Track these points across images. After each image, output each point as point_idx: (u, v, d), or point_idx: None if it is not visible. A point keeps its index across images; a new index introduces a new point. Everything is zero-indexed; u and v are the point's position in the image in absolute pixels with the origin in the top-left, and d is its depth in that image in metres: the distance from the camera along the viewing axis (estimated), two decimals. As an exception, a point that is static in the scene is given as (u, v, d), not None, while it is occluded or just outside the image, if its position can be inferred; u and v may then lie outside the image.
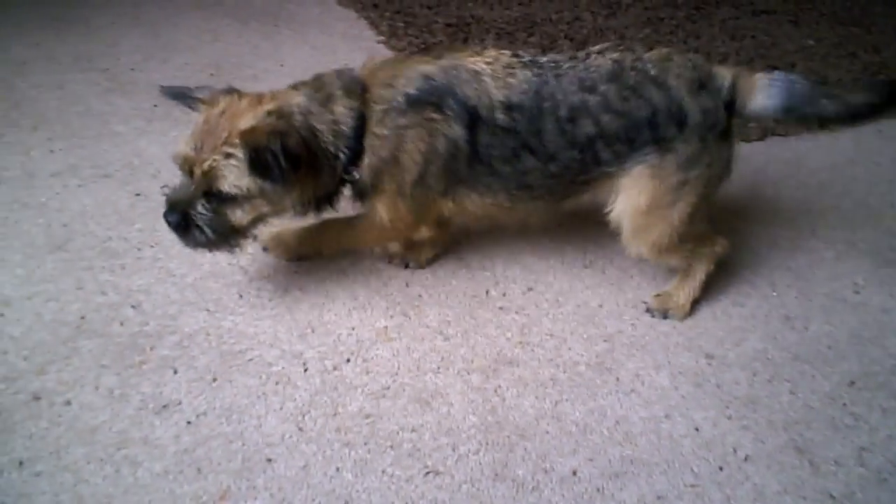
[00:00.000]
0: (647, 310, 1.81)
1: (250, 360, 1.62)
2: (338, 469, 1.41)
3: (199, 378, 1.57)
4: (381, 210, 1.70)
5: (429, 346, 1.68)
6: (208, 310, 1.73)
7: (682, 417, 1.54)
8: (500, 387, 1.59)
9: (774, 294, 1.86)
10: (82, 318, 1.70)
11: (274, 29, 3.04)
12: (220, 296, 1.77)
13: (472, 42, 2.97)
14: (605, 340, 1.71)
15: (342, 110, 1.63)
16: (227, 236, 1.62)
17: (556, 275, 1.88)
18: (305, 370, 1.61)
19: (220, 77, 2.63)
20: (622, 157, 1.66)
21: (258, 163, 1.51)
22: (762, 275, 1.90)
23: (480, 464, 1.44)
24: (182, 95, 1.66)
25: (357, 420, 1.51)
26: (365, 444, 1.46)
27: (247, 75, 2.68)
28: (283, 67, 2.75)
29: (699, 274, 1.81)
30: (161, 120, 2.40)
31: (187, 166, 1.57)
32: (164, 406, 1.51)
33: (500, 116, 1.64)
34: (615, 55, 1.67)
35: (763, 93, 1.66)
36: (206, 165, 1.54)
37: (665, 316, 1.79)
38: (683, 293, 1.80)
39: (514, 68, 1.67)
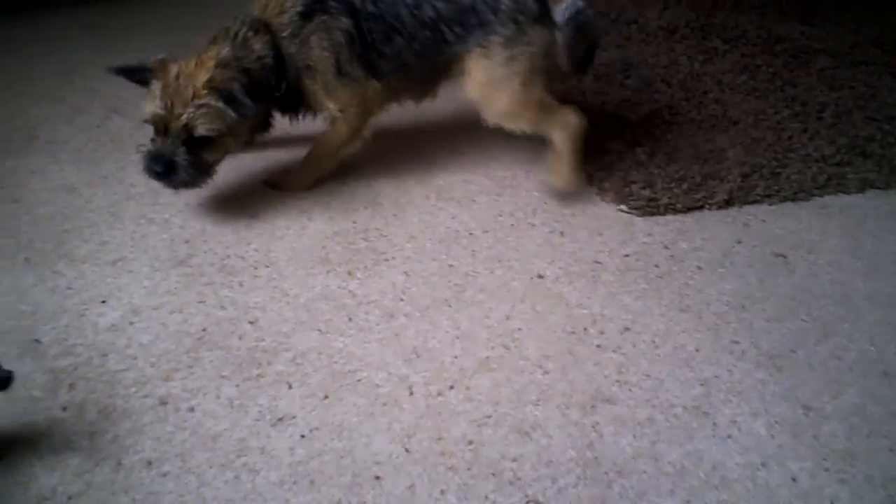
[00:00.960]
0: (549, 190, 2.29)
1: (359, 380, 1.70)
2: (442, 492, 1.48)
3: (312, 395, 1.66)
4: (329, 104, 2.17)
5: (528, 378, 1.73)
6: (320, 330, 1.83)
7: (778, 467, 1.56)
8: (597, 423, 1.63)
9: (873, 349, 1.86)
10: (204, 330, 1.81)
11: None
12: (330, 317, 1.86)
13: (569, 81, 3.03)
14: (701, 384, 1.74)
15: (259, 46, 2.07)
16: (203, 174, 2.06)
17: (654, 316, 1.92)
18: (411, 394, 1.68)
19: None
20: (462, 38, 2.16)
21: (231, 101, 1.96)
22: (861, 329, 1.91)
23: (579, 497, 1.48)
24: (131, 72, 2.05)
25: (460, 446, 1.57)
26: (468, 469, 1.52)
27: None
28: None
29: (563, 146, 2.25)
30: (273, 145, 2.53)
31: (162, 124, 1.97)
32: (280, 419, 1.60)
33: (370, 6, 2.13)
34: None
35: (562, 6, 2.20)
36: (183, 118, 1.95)
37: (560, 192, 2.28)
38: (563, 167, 2.26)
39: None
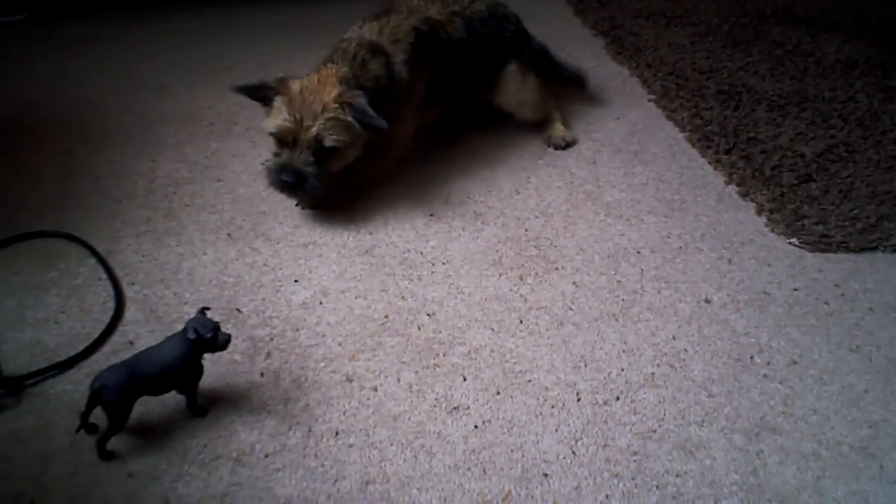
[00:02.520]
0: (550, 146, 2.75)
1: (529, 381, 1.79)
2: (607, 496, 1.54)
3: (485, 389, 1.76)
4: (401, 131, 2.37)
5: (693, 398, 1.77)
6: (492, 329, 1.92)
7: (947, 517, 1.55)
8: (762, 451, 1.66)
9: None
10: (386, 316, 1.93)
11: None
12: (502, 318, 1.96)
13: (742, 110, 3.03)
14: (869, 426, 1.74)
15: (376, 67, 2.23)
16: (326, 184, 2.16)
17: (822, 353, 1.92)
18: (578, 400, 1.75)
19: (501, 116, 2.86)
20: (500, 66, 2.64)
21: (359, 115, 2.09)
22: None
23: (741, 519, 1.52)
24: (253, 90, 2.17)
25: (625, 455, 1.63)
26: (632, 478, 1.58)
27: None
28: (559, 115, 2.93)
29: (554, 116, 2.82)
30: (450, 149, 2.65)
31: (290, 136, 2.08)
32: (455, 408, 1.71)
33: (456, 51, 2.46)
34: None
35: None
36: (312, 130, 2.07)
37: (564, 145, 2.75)
38: (557, 128, 2.80)
39: (454, 17, 2.49)
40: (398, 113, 2.31)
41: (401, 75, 2.29)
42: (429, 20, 2.42)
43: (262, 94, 2.15)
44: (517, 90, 2.68)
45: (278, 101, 2.11)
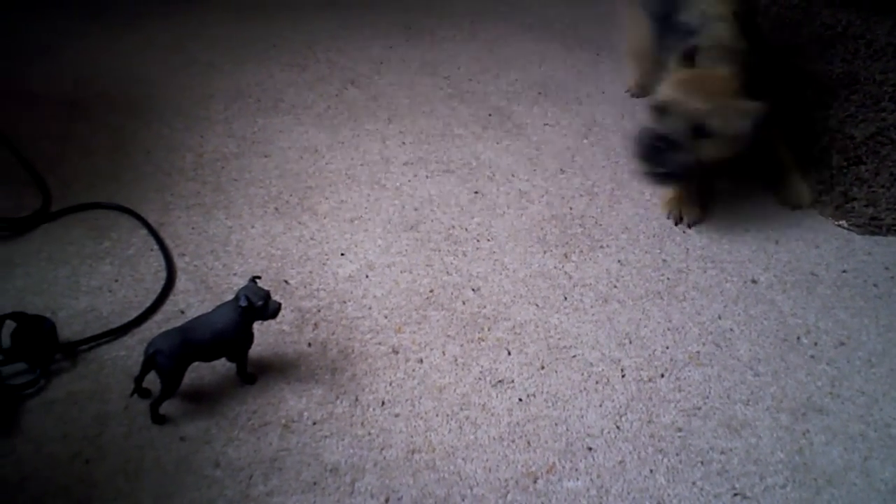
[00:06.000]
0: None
1: (573, 356, 1.79)
2: (651, 471, 1.55)
3: (529, 363, 1.77)
4: None
5: (739, 377, 1.77)
6: (537, 305, 1.93)
7: None
8: (808, 431, 1.65)
9: None
10: (431, 291, 1.95)
11: (596, 57, 3.21)
12: (547, 294, 1.96)
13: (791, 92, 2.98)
14: (918, 409, 1.72)
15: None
16: (691, 166, 2.11)
17: (870, 335, 1.90)
18: (623, 376, 1.75)
19: (547, 95, 2.86)
20: None
21: (759, 117, 2.04)
22: None
23: (787, 498, 1.51)
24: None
25: (669, 431, 1.63)
26: (677, 454, 1.58)
27: (571, 97, 2.87)
28: (605, 94, 2.91)
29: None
30: (495, 128, 2.65)
31: (676, 108, 2.06)
32: (500, 381, 1.72)
33: None
34: None
35: None
36: (703, 107, 2.03)
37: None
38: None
39: None
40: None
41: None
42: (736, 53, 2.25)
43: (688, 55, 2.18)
44: None
45: (670, 78, 2.15)
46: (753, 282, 2.05)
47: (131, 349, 1.74)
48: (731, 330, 1.90)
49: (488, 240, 2.14)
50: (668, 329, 1.89)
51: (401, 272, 2.01)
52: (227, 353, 1.61)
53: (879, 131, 2.73)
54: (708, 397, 1.72)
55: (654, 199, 2.34)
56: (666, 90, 2.12)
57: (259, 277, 1.64)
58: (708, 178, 2.32)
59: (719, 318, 1.93)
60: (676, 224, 2.25)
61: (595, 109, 2.81)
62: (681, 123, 2.06)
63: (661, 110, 2.10)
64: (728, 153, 2.11)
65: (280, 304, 1.60)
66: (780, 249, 2.16)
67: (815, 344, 1.87)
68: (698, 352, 1.83)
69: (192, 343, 1.53)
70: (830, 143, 2.64)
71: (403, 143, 2.54)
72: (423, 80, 2.94)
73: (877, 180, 2.45)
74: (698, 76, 2.12)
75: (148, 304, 1.84)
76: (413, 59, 3.08)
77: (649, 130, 2.11)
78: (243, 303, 1.54)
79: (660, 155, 2.08)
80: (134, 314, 1.81)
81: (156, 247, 2.03)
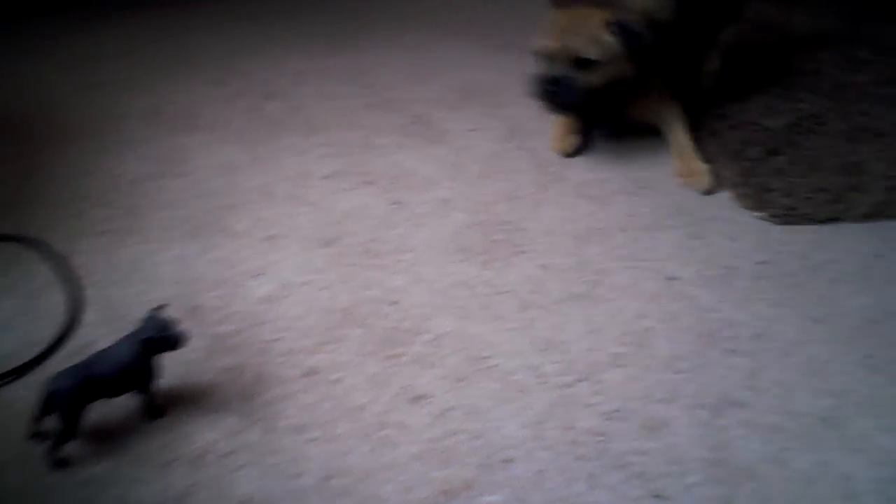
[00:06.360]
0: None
1: (493, 366, 1.78)
2: (571, 479, 1.53)
3: (448, 376, 1.75)
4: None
5: (658, 376, 1.77)
6: (457, 315, 1.91)
7: (911, 484, 1.55)
8: (726, 426, 1.65)
9: None
10: (349, 308, 1.92)
11: (520, 60, 3.17)
12: (467, 304, 1.95)
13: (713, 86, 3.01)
14: (833, 396, 1.73)
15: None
16: (585, 96, 2.36)
17: (787, 325, 1.91)
18: (543, 383, 1.74)
19: (470, 100, 2.84)
20: None
21: (625, 34, 2.29)
22: None
23: (705, 496, 1.51)
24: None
25: (589, 437, 1.62)
26: (597, 459, 1.57)
27: (493, 102, 2.87)
28: (527, 98, 2.90)
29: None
30: (417, 136, 2.63)
31: (554, 52, 2.33)
32: (418, 397, 1.70)
33: None
34: None
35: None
36: (575, 44, 2.30)
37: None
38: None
39: None
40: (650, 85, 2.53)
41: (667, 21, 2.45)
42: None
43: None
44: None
45: (545, 24, 2.37)
46: (673, 278, 2.05)
47: (34, 389, 1.67)
48: (651, 328, 1.90)
49: (408, 251, 2.12)
50: (589, 332, 1.88)
51: (318, 290, 1.97)
52: (132, 387, 1.56)
53: (796, 121, 2.77)
54: (628, 399, 1.71)
55: (576, 200, 2.34)
56: (543, 38, 2.35)
57: (164, 306, 1.60)
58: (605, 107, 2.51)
59: (639, 317, 1.93)
60: (565, 157, 2.56)
61: (518, 112, 2.81)
62: (564, 63, 2.32)
63: (545, 56, 2.35)
64: (613, 75, 2.36)
65: (185, 334, 1.55)
66: (699, 244, 2.17)
67: (734, 337, 1.87)
68: (618, 353, 1.82)
69: (93, 380, 1.49)
70: (749, 134, 2.66)
71: (323, 155, 2.51)
72: (343, 90, 2.91)
73: (793, 170, 2.48)
74: (569, 17, 2.34)
75: (52, 339, 1.78)
76: (334, 69, 3.05)
77: (541, 75, 2.36)
78: (145, 335, 1.50)
79: (555, 93, 2.35)
80: (36, 351, 1.75)
81: (62, 277, 1.96)
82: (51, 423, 1.50)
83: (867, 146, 2.61)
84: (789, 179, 2.42)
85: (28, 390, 1.67)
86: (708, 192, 2.40)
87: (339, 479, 1.52)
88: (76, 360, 1.59)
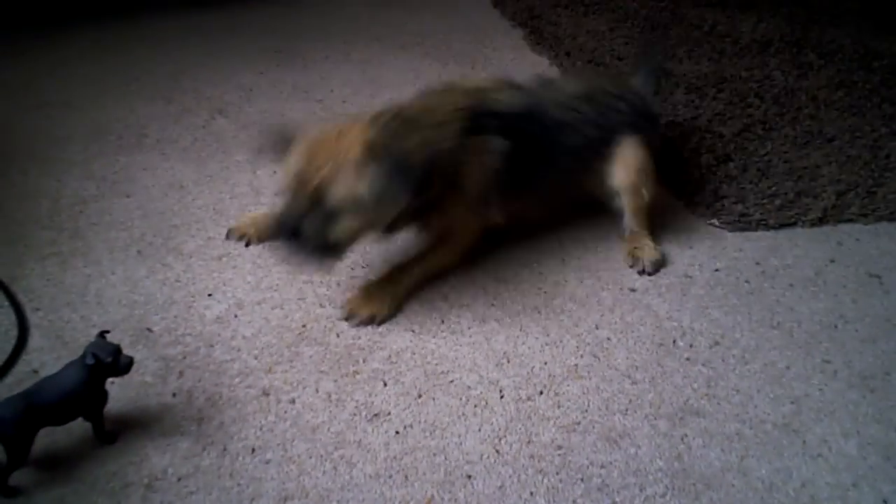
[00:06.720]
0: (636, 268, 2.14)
1: (451, 381, 1.76)
2: (532, 493, 1.52)
3: (406, 393, 1.72)
4: (455, 226, 2.03)
5: (617, 387, 1.76)
6: (413, 331, 1.89)
7: (869, 488, 1.56)
8: (686, 435, 1.65)
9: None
10: (304, 326, 1.89)
11: (471, 70, 3.21)
12: (423, 319, 1.92)
13: (661, 94, 3.03)
14: (791, 402, 1.74)
15: (414, 146, 1.82)
16: (327, 250, 1.80)
17: (744, 332, 1.92)
18: (501, 397, 1.72)
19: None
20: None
21: (397, 169, 1.73)
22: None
23: (667, 507, 1.51)
24: (274, 144, 1.87)
25: (549, 450, 1.61)
26: (557, 473, 1.56)
27: (446, 113, 2.85)
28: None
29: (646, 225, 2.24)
30: (370, 150, 2.60)
31: (296, 184, 1.75)
32: (376, 415, 1.67)
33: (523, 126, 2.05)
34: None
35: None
36: (317, 180, 1.72)
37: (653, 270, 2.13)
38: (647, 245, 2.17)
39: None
40: (447, 205, 1.97)
41: (443, 161, 1.88)
42: (482, 92, 2.05)
43: (283, 148, 1.84)
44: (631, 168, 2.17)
45: (296, 145, 1.81)
46: (630, 290, 2.05)
47: (-21, 417, 1.61)
48: (609, 339, 1.89)
49: (363, 266, 2.09)
50: (546, 344, 1.87)
51: (272, 308, 1.94)
52: (79, 413, 1.51)
53: (746, 127, 2.81)
54: (587, 411, 1.70)
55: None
56: (287, 164, 1.81)
57: (108, 332, 1.55)
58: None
59: (596, 328, 1.92)
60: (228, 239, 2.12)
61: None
62: (300, 201, 1.75)
63: (286, 190, 1.80)
64: (368, 230, 1.85)
65: (132, 359, 1.51)
66: (654, 253, 2.17)
67: (691, 346, 1.88)
68: (576, 364, 1.82)
69: (38, 407, 1.43)
70: (700, 142, 2.69)
71: (275, 171, 2.46)
72: (294, 105, 2.88)
73: (745, 176, 2.51)
74: (321, 140, 1.78)
75: (-3, 366, 1.72)
76: (284, 84, 3.02)
77: (277, 215, 1.83)
78: (90, 360, 1.45)
79: (292, 242, 1.77)
80: (-20, 379, 1.69)
81: (6, 303, 1.90)
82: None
83: (817, 151, 2.66)
84: (741, 186, 2.45)
85: (-31, 421, 1.60)
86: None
87: (296, 501, 1.48)
88: (24, 386, 1.54)
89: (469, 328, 1.90)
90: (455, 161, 1.92)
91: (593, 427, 1.66)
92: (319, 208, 1.74)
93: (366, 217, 1.79)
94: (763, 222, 2.30)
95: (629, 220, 2.20)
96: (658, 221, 2.28)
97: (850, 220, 2.33)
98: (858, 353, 1.87)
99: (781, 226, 2.30)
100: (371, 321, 1.89)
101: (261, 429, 1.63)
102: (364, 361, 1.80)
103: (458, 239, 2.05)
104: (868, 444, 1.65)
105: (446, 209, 1.98)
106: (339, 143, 1.76)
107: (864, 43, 3.56)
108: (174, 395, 1.69)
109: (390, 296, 1.95)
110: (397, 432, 1.63)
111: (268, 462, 1.56)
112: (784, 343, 1.90)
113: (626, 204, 2.19)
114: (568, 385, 1.76)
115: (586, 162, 2.18)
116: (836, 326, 1.94)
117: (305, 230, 1.75)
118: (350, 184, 1.73)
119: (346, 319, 1.89)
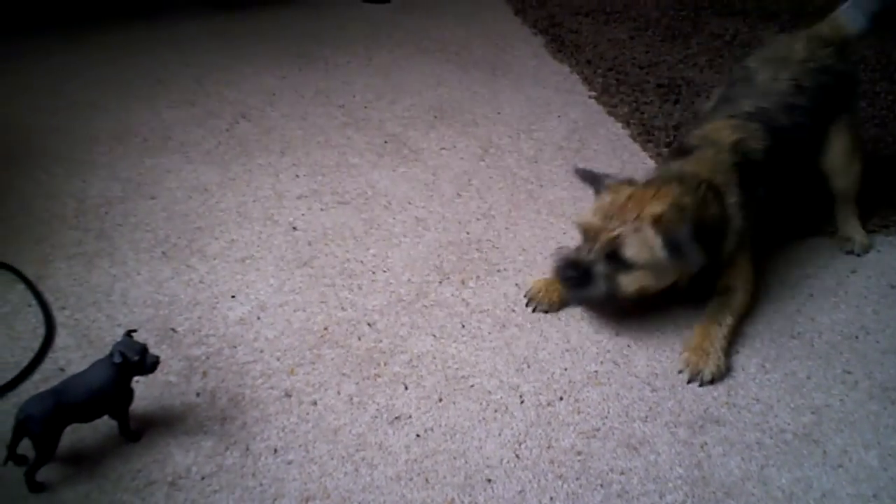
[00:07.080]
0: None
1: (472, 386, 1.77)
2: (551, 498, 1.53)
3: (427, 396, 1.73)
4: (740, 276, 2.02)
5: (637, 394, 1.77)
6: (434, 335, 1.90)
7: (890, 499, 1.55)
8: (706, 443, 1.66)
9: None
10: (325, 328, 1.90)
11: (492, 77, 3.23)
12: (444, 324, 1.94)
13: (682, 103, 3.04)
14: (812, 412, 1.74)
15: (716, 209, 1.92)
16: (612, 298, 1.87)
17: (764, 341, 1.92)
18: (522, 402, 1.73)
19: (443, 119, 2.85)
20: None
21: (671, 245, 1.80)
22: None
23: (686, 515, 1.51)
24: (592, 179, 2.00)
25: (569, 455, 1.61)
26: (577, 479, 1.57)
27: (467, 119, 2.87)
28: (500, 115, 2.92)
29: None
30: (391, 155, 2.63)
31: (592, 233, 1.85)
32: (397, 418, 1.68)
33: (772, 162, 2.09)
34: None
35: None
36: (614, 233, 1.81)
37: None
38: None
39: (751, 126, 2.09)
40: (734, 258, 2.02)
41: (735, 219, 1.97)
42: (736, 146, 2.04)
43: (597, 186, 1.97)
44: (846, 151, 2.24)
45: (601, 198, 1.91)
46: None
47: (7, 414, 1.63)
48: (629, 346, 1.90)
49: (384, 271, 2.10)
50: (567, 350, 1.88)
51: (294, 311, 1.95)
52: (105, 411, 1.53)
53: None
54: (607, 417, 1.71)
55: (550, 218, 2.34)
56: (587, 210, 1.93)
57: (135, 331, 1.57)
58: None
59: (617, 334, 1.93)
60: (533, 311, 2.02)
61: (491, 130, 2.82)
62: (591, 250, 1.86)
63: (581, 232, 1.91)
64: (655, 286, 1.89)
65: (158, 358, 1.53)
66: (674, 261, 2.17)
67: (711, 354, 1.87)
68: (596, 371, 1.82)
69: (66, 405, 1.46)
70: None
71: (297, 175, 2.49)
72: (316, 109, 2.90)
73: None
74: (629, 198, 1.87)
75: (25, 363, 1.75)
76: (307, 89, 3.05)
77: (566, 254, 1.92)
78: (118, 359, 1.47)
79: (575, 281, 1.88)
80: (9, 376, 1.71)
81: (34, 302, 1.93)
82: (27, 447, 1.47)
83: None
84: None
85: (3, 415, 1.63)
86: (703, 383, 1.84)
87: (318, 502, 1.50)
88: (50, 383, 1.56)
89: (489, 333, 1.91)
90: (739, 219, 1.98)
91: (613, 433, 1.67)
92: (613, 259, 1.83)
93: (657, 275, 1.86)
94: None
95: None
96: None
97: (872, 232, 2.33)
98: (879, 364, 1.86)
99: (804, 236, 2.30)
100: (711, 382, 1.82)
101: (283, 430, 1.64)
102: (385, 365, 1.81)
103: (749, 278, 2.04)
104: (889, 456, 1.64)
105: (734, 262, 2.02)
106: (643, 198, 1.85)
107: (888, 54, 3.55)
108: (198, 394, 1.71)
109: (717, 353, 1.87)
110: (418, 435, 1.64)
111: (290, 463, 1.57)
112: (805, 353, 1.90)
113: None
114: (588, 391, 1.77)
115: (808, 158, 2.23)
116: (856, 337, 1.94)
117: (596, 277, 1.84)
118: (650, 242, 1.81)
119: (689, 381, 1.83)
